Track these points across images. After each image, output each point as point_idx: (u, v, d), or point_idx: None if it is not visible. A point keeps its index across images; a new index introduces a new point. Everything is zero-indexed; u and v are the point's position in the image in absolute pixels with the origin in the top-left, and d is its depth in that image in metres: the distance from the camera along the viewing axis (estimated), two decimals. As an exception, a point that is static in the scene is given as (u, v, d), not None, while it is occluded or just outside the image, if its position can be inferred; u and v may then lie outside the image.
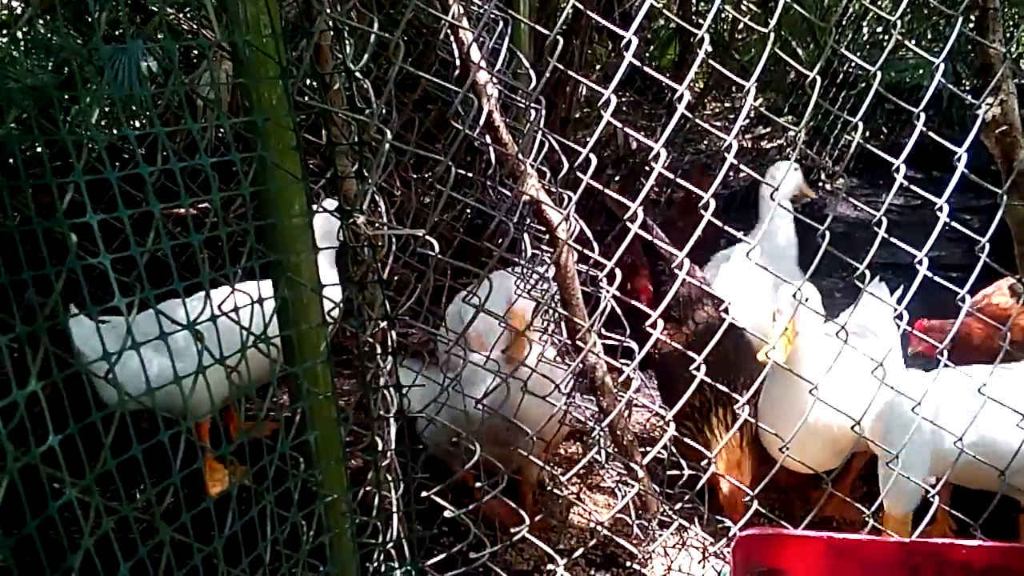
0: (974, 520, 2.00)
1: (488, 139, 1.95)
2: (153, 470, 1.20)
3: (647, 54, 5.94)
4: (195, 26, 3.78)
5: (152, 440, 1.18)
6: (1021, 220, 1.90)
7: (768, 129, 6.02)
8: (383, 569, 1.72)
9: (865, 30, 5.98)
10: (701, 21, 5.79)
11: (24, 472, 0.98)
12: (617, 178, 4.58)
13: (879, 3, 5.30)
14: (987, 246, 2.02)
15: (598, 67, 5.74)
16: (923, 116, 1.96)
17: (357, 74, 1.60)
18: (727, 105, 6.44)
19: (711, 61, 2.05)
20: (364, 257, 1.56)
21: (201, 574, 1.30)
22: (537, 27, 1.92)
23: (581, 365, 2.04)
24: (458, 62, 1.87)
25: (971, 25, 2.05)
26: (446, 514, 1.73)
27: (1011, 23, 5.91)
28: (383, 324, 1.67)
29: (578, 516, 2.49)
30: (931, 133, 2.01)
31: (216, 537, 1.31)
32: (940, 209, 1.98)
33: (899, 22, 1.98)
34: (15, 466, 0.97)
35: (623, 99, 5.82)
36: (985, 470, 2.02)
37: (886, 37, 5.78)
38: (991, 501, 1.97)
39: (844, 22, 5.40)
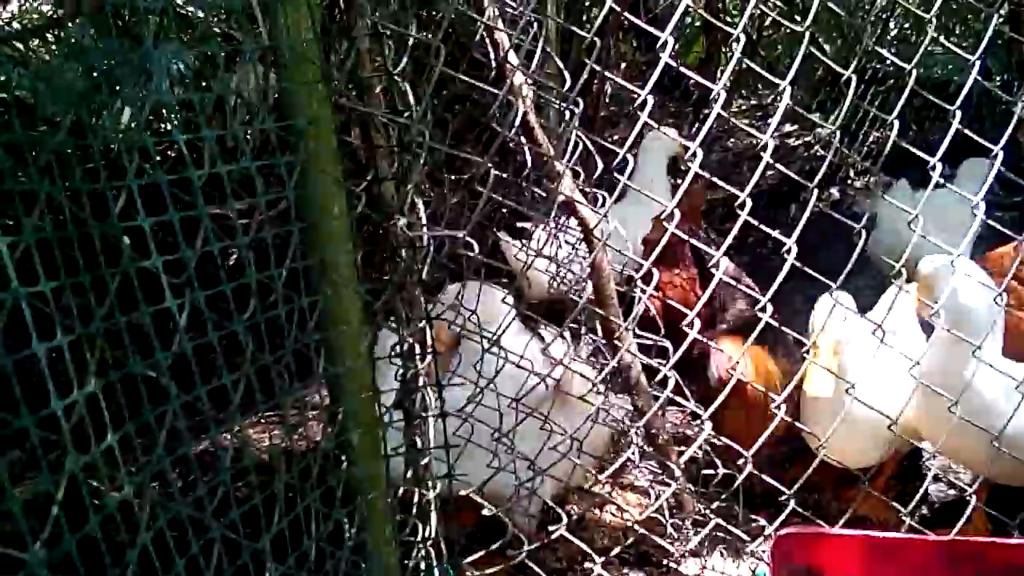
0: (1012, 519, 1.99)
1: (523, 140, 1.96)
2: (204, 468, 1.23)
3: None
4: (226, 29, 3.82)
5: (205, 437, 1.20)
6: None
7: (795, 127, 5.98)
8: (422, 567, 1.74)
9: (892, 25, 5.93)
10: (727, 18, 5.76)
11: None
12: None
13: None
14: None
15: (623, 65, 5.73)
16: (959, 113, 1.96)
17: (396, 77, 1.62)
18: (753, 103, 6.40)
19: (742, 59, 2.06)
20: (403, 258, 1.58)
21: (252, 570, 1.32)
22: (571, 27, 1.93)
23: (616, 364, 2.05)
24: (493, 63, 1.89)
25: (1002, 20, 2.03)
26: (484, 512, 1.74)
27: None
28: (421, 324, 1.69)
29: (611, 515, 2.50)
30: (967, 131, 2.00)
31: (264, 533, 1.34)
32: (976, 207, 1.97)
33: (934, 19, 1.97)
34: (78, 464, 0.99)
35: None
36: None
37: (914, 33, 5.74)
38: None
39: (873, 18, 5.36)
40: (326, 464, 1.53)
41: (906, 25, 5.86)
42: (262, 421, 2.84)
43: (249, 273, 1.38)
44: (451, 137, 1.95)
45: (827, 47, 5.65)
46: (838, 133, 2.13)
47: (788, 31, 5.35)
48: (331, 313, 1.63)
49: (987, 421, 2.05)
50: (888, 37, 5.73)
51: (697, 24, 6.01)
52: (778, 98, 1.91)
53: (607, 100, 5.03)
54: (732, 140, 5.64)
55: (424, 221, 1.63)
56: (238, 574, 1.28)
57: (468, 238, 1.52)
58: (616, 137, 4.80)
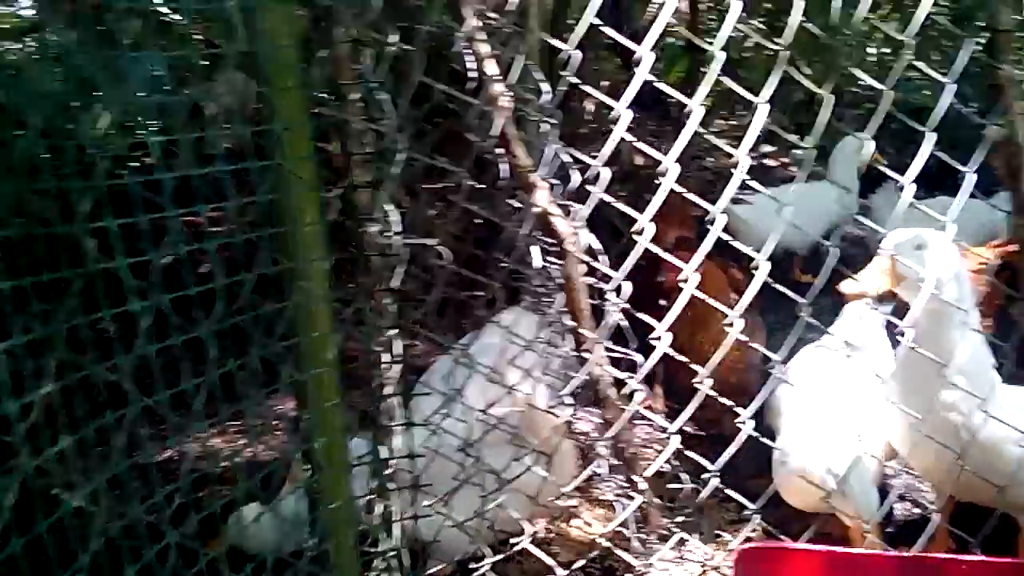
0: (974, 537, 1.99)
1: (501, 152, 1.96)
2: (163, 475, 1.22)
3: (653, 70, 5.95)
4: (207, 37, 3.81)
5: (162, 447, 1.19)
6: (1027, 239, 1.91)
7: (774, 148, 6.04)
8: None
9: (872, 49, 6.00)
10: (708, 39, 5.79)
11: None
12: (623, 194, 4.59)
13: (884, 21, 5.32)
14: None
15: (606, 83, 5.76)
16: (933, 136, 1.98)
17: (374, 85, 1.62)
18: (733, 123, 6.45)
19: (721, 78, 2.07)
20: (374, 266, 1.58)
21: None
22: (549, 39, 1.93)
23: (586, 377, 2.05)
24: (472, 75, 1.89)
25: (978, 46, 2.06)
26: (447, 524, 1.73)
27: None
28: (391, 334, 1.68)
29: (577, 529, 2.50)
30: (941, 154, 2.03)
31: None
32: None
33: (912, 43, 1.99)
34: (31, 464, 0.98)
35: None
36: (985, 483, 2.02)
37: (893, 57, 5.81)
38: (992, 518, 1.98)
39: (851, 42, 5.41)
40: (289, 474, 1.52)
41: (885, 49, 5.93)
42: (229, 430, 2.81)
43: (217, 277, 1.37)
44: (430, 147, 1.95)
45: (807, 70, 5.71)
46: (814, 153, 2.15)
47: (768, 52, 5.39)
48: (301, 320, 1.62)
49: (954, 438, 2.07)
50: (867, 60, 5.80)
51: (680, 43, 6.05)
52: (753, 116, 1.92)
53: (590, 117, 5.05)
54: (711, 159, 5.67)
55: (398, 229, 1.63)
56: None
57: (440, 248, 1.51)
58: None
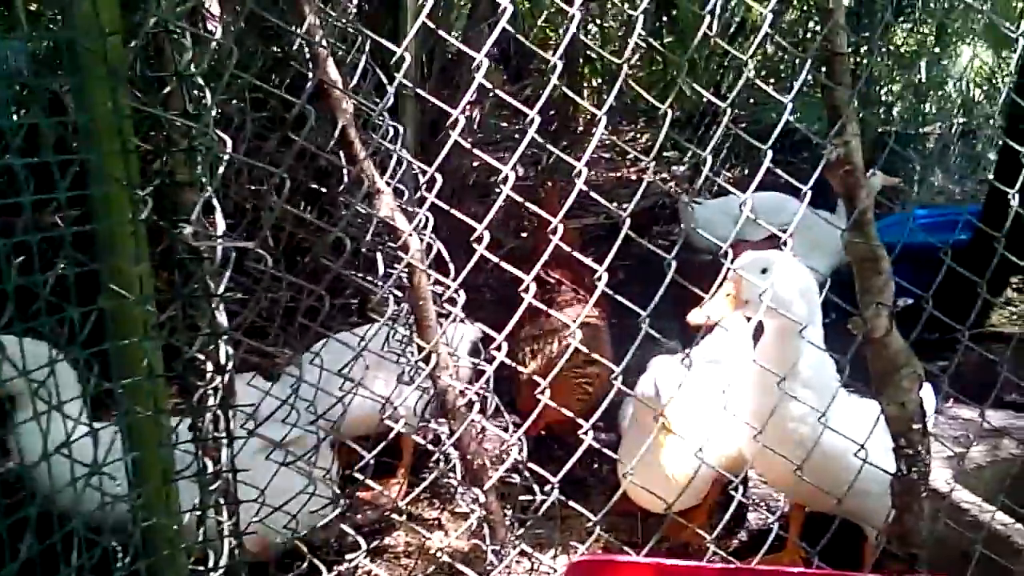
0: (827, 548, 2.03)
1: (343, 155, 1.91)
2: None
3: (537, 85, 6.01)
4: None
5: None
6: (862, 257, 1.97)
7: (654, 164, 6.18)
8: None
9: (752, 73, 6.20)
10: (591, 54, 5.90)
11: None
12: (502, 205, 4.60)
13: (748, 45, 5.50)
14: (827, 283, 2.12)
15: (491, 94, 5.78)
16: (770, 153, 2.05)
17: (196, 79, 1.55)
18: (614, 138, 6.59)
19: (568, 93, 2.07)
20: (192, 270, 1.50)
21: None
22: (385, 43, 1.89)
23: (432, 387, 2.01)
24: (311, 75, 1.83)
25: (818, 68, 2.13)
26: (277, 540, 1.66)
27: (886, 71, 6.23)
28: (216, 341, 1.60)
29: (436, 542, 2.45)
30: (779, 171, 2.10)
31: (8, 563, 1.21)
32: (784, 244, 2.05)
33: (751, 61, 2.05)
34: None
35: (514, 127, 5.86)
36: (824, 489, 2.07)
37: (772, 80, 6.02)
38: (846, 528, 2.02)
39: (726, 63, 5.60)
40: (99, 487, 1.42)
41: (763, 72, 6.14)
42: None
43: (7, 275, 1.27)
44: (267, 148, 1.88)
45: (686, 89, 5.87)
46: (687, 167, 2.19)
47: (648, 70, 5.52)
48: (113, 324, 1.53)
49: (797, 447, 2.12)
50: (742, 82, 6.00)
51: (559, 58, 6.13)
52: (636, 134, 1.93)
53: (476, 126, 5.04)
54: (593, 172, 5.76)
55: (220, 230, 1.55)
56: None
57: (259, 250, 1.45)
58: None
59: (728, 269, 2.00)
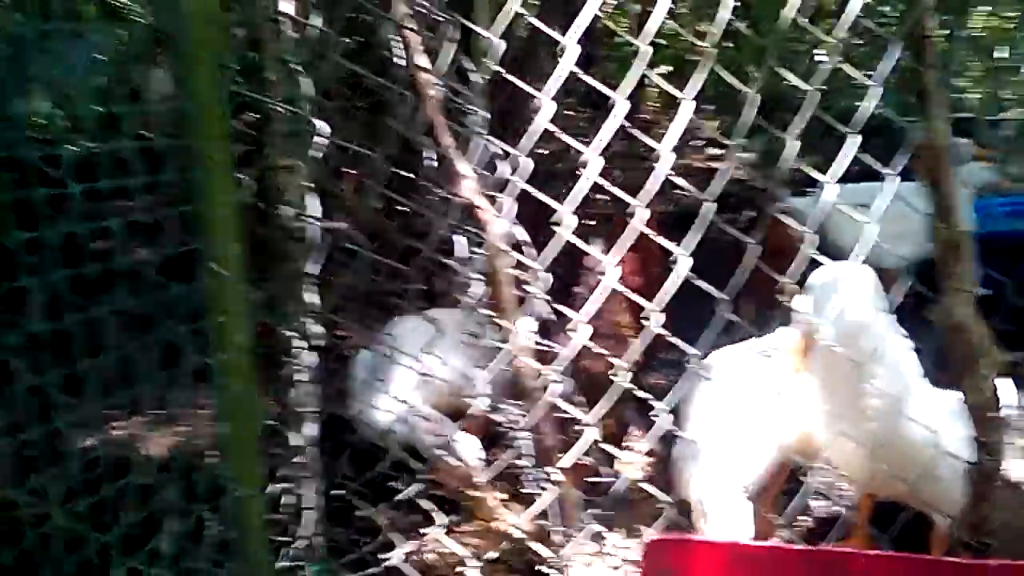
0: (895, 535, 2.03)
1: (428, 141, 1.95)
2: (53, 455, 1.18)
3: (608, 71, 5.98)
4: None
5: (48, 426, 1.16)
6: (946, 242, 1.94)
7: (720, 152, 6.11)
8: (293, 567, 1.70)
9: (827, 58, 6.09)
10: (660, 41, 5.84)
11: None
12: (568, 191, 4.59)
13: (823, 29, 5.38)
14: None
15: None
16: (857, 138, 2.02)
17: (295, 67, 1.60)
18: (703, 122, 6.52)
19: (654, 78, 2.08)
20: (289, 251, 1.55)
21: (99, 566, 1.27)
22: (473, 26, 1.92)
23: (509, 370, 2.04)
24: (402, 62, 1.87)
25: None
26: (357, 513, 1.72)
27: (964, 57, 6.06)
28: (306, 319, 1.66)
29: (501, 521, 2.49)
30: (863, 156, 2.07)
31: (114, 527, 1.29)
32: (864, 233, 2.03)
33: (831, 46, 2.02)
34: None
35: (581, 114, 5.84)
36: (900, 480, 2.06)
37: (843, 65, 5.89)
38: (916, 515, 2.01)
39: (799, 49, 5.49)
40: (193, 459, 1.49)
41: (839, 58, 6.00)
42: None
43: (118, 256, 1.34)
44: (355, 132, 1.92)
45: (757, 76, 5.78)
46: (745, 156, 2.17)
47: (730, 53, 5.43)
48: (211, 303, 1.60)
49: (872, 435, 2.11)
50: (815, 68, 5.88)
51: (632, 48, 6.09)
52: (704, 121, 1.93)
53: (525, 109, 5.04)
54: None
55: (315, 214, 1.61)
56: (81, 570, 1.22)
57: (352, 232, 1.49)
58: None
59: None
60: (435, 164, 2.04)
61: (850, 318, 2.10)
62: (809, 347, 2.13)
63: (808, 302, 2.11)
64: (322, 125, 1.59)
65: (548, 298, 1.95)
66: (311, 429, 1.73)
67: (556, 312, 2.00)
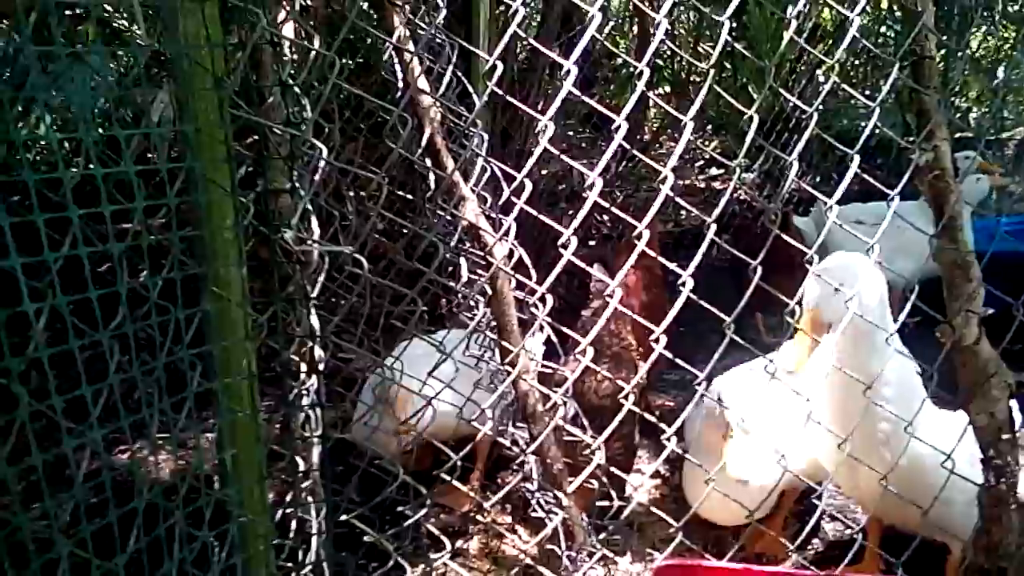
0: (909, 563, 1.99)
1: (429, 162, 1.95)
2: (55, 481, 1.17)
3: (605, 92, 6.00)
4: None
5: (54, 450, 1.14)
6: (951, 263, 1.93)
7: (722, 171, 6.12)
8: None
9: (823, 79, 6.13)
10: (660, 62, 5.88)
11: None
12: (571, 212, 4.60)
13: (821, 50, 5.40)
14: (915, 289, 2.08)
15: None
16: (857, 159, 2.01)
17: (295, 89, 1.60)
18: (700, 143, 6.53)
19: (655, 99, 2.08)
20: (292, 273, 1.54)
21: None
22: (477, 51, 1.93)
23: (513, 392, 2.03)
24: (401, 84, 1.88)
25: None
26: (365, 538, 1.69)
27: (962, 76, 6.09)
28: (309, 343, 1.65)
29: (510, 547, 2.47)
30: (866, 176, 2.06)
31: (118, 553, 1.27)
32: (871, 249, 2.02)
33: (836, 65, 2.03)
34: None
35: (580, 135, 5.87)
36: (909, 504, 2.03)
37: (843, 85, 5.92)
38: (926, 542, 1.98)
39: (797, 69, 5.51)
40: (196, 484, 1.47)
41: (836, 79, 6.03)
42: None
43: (120, 280, 1.33)
44: (369, 161, 1.92)
45: (756, 96, 5.80)
46: (748, 175, 2.17)
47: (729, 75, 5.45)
48: (214, 326, 1.58)
49: (880, 458, 2.09)
50: (815, 88, 5.92)
51: (632, 69, 6.13)
52: (703, 142, 1.93)
53: (536, 135, 5.08)
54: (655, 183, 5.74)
55: (315, 235, 1.60)
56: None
57: (356, 255, 1.49)
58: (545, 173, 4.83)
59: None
60: (435, 186, 2.04)
61: (865, 301, 2.09)
62: (816, 325, 2.11)
63: (820, 284, 2.10)
64: (323, 148, 1.59)
65: (551, 320, 1.94)
66: (317, 454, 1.71)
67: (560, 334, 2.00)
